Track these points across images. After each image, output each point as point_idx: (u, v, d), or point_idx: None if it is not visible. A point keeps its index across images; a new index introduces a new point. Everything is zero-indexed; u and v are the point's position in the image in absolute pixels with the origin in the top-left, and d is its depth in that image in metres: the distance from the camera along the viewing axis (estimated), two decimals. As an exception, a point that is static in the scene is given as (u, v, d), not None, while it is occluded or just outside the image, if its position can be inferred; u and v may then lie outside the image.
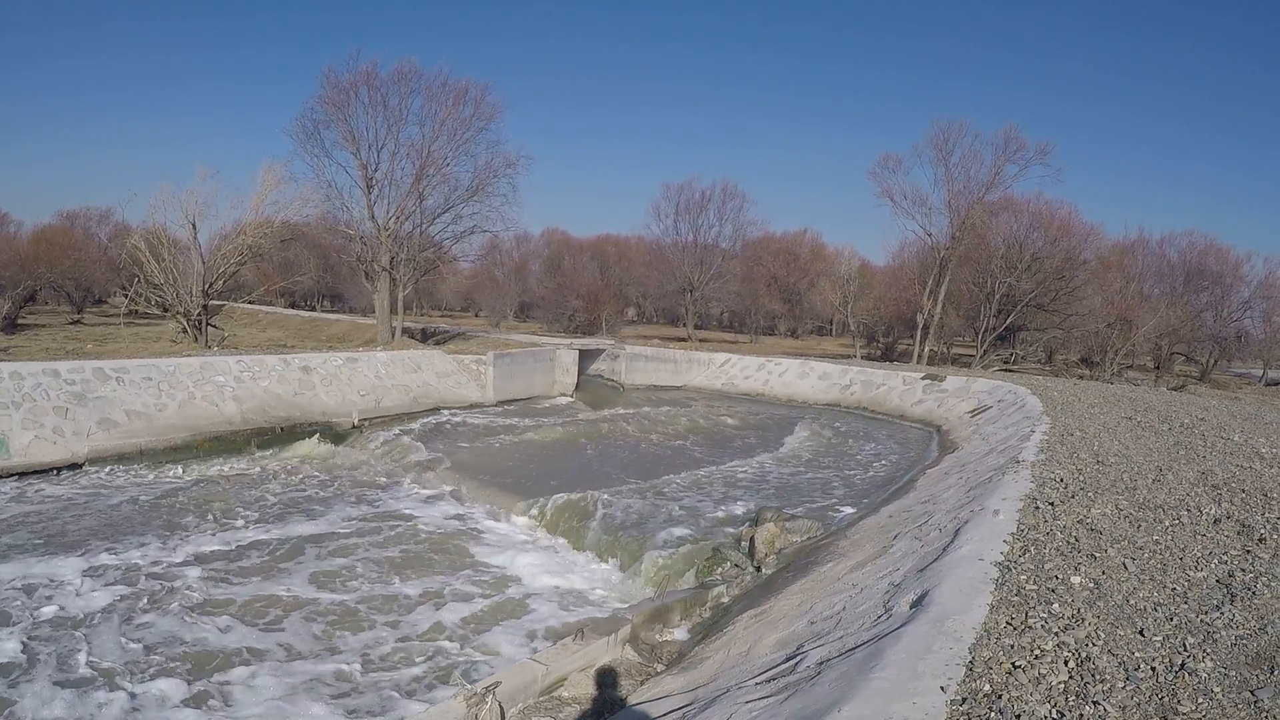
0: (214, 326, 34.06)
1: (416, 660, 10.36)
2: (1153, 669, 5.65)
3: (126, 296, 35.58)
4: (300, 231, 40.70)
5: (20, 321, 36.90)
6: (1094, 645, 6.03)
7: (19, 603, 11.41)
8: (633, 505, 16.66)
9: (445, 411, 28.50)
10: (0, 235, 59.30)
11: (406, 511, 16.76)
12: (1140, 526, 9.63)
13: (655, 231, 70.97)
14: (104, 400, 19.93)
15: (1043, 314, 48.66)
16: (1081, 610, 6.72)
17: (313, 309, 74.53)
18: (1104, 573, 7.75)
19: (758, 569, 12.94)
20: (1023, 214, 48.67)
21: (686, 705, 6.94)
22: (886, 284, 60.32)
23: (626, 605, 11.17)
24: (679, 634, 10.54)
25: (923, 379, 33.44)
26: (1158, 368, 48.28)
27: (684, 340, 57.13)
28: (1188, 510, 10.43)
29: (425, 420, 26.71)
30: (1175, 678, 5.50)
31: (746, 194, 77.76)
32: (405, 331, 39.55)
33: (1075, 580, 7.47)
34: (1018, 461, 14.09)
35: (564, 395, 35.16)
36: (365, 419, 25.63)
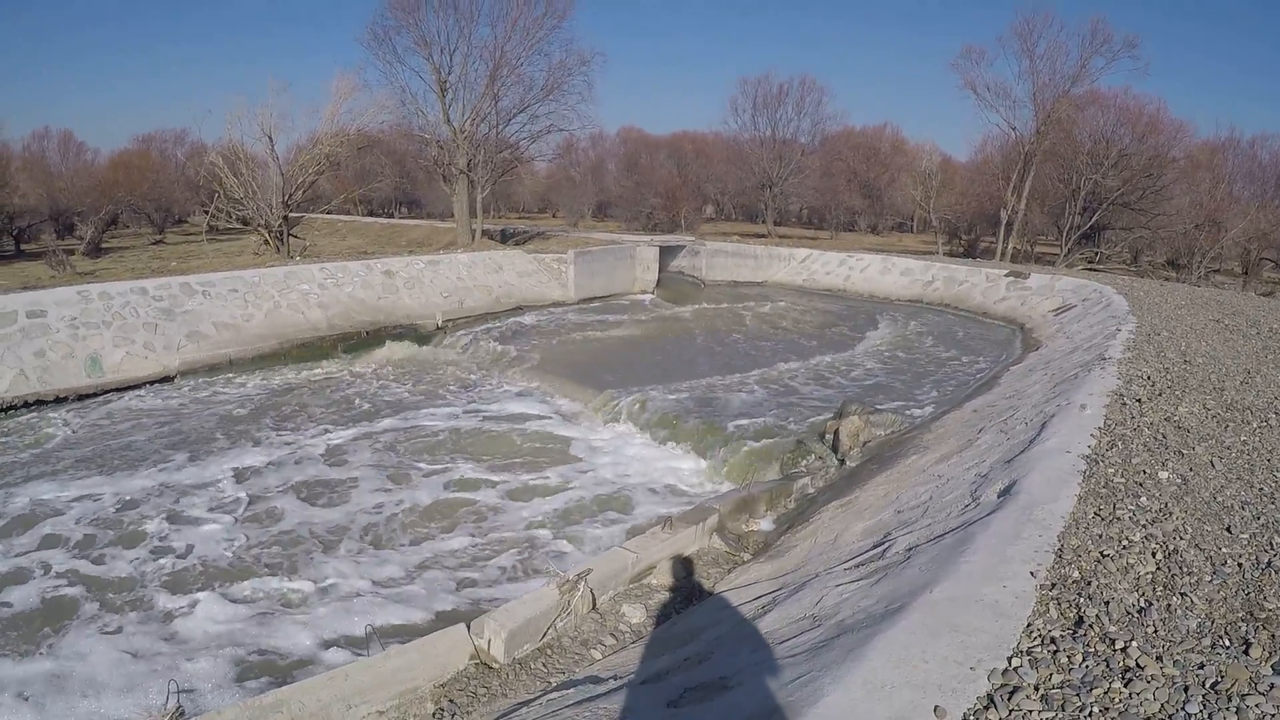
0: (295, 237, 34.43)
1: (509, 550, 10.61)
2: (1239, 565, 5.57)
3: (207, 214, 36.08)
4: (376, 139, 40.76)
5: (104, 245, 37.73)
6: (1181, 539, 5.96)
7: (168, 502, 12.01)
8: (715, 399, 16.71)
9: (527, 311, 28.71)
10: (79, 163, 60.22)
11: (492, 409, 17.01)
12: (1228, 427, 9.38)
13: (733, 127, 69.57)
14: (191, 314, 20.36)
15: (1129, 213, 46.78)
16: (1169, 504, 6.64)
17: (390, 216, 75.01)
18: (1191, 469, 7.61)
19: (841, 461, 12.91)
20: (1109, 109, 46.32)
21: (776, 590, 7.00)
22: (969, 179, 58.63)
23: (713, 496, 11.21)
24: (764, 524, 10.61)
25: (1006, 276, 32.62)
26: (1245, 272, 46.31)
27: (763, 237, 56.43)
28: (1276, 413, 10.08)
29: (508, 320, 26.98)
30: (1262, 575, 5.42)
31: (825, 88, 75.73)
32: (484, 233, 39.63)
33: (1163, 475, 7.35)
34: (1104, 359, 13.75)
35: (645, 292, 35.03)
36: (449, 320, 25.94)
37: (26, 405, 16.10)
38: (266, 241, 32.85)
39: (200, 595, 9.28)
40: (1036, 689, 3.96)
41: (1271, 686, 3.94)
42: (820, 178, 69.51)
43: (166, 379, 18.66)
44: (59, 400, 16.57)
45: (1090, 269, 43.26)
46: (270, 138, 32.09)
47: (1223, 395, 11.02)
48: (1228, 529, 6.22)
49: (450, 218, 43.78)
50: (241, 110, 32.52)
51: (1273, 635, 4.53)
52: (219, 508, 11.84)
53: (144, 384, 18.17)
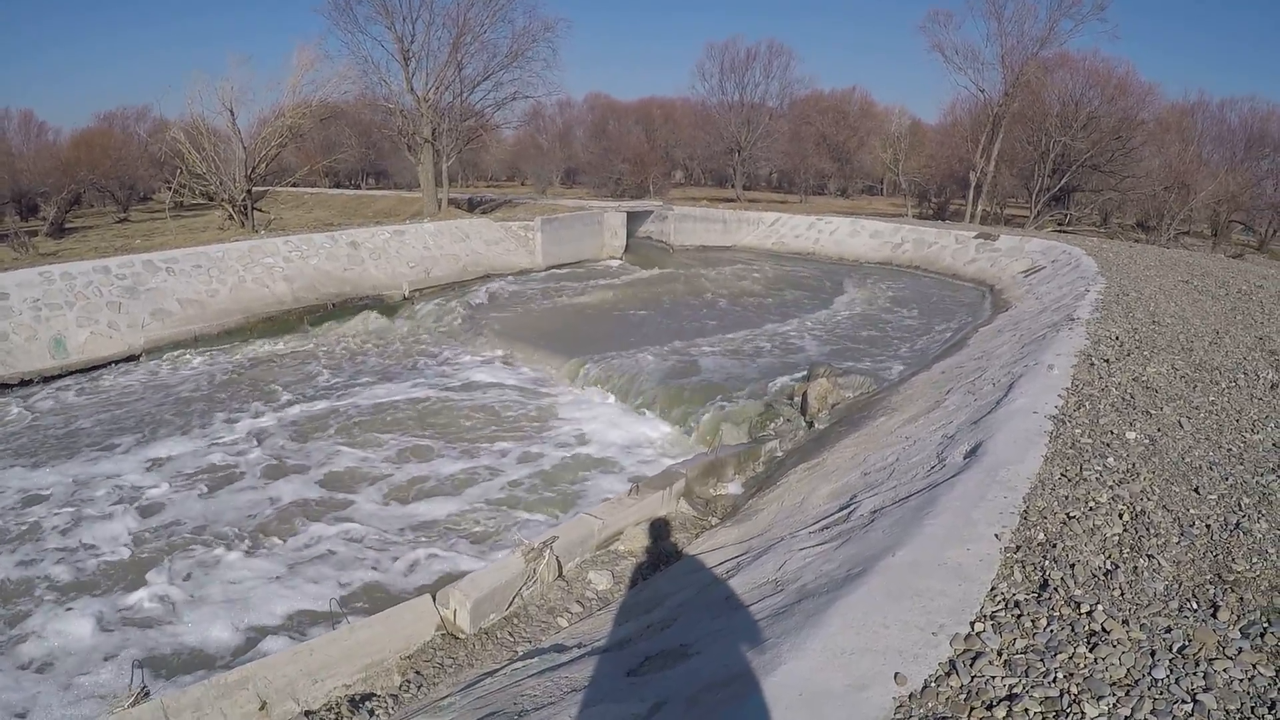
0: (260, 210, 34.00)
1: (474, 518, 10.56)
2: (1207, 526, 5.55)
3: (171, 190, 35.62)
4: (339, 110, 40.26)
5: (68, 225, 37.20)
6: (1149, 500, 5.94)
7: (119, 485, 11.82)
8: (684, 363, 16.69)
9: (495, 279, 28.47)
10: (40, 143, 59.33)
11: (459, 378, 16.90)
12: (1196, 387, 9.37)
13: (700, 92, 69.57)
14: (156, 291, 20.07)
15: (1098, 175, 47.02)
16: (1136, 465, 6.61)
17: (357, 187, 74.29)
18: (1159, 430, 7.59)
19: (810, 424, 12.89)
20: (1078, 71, 46.44)
21: (741, 554, 6.96)
22: (938, 142, 58.69)
23: (681, 460, 11.17)
24: (733, 488, 10.58)
25: (975, 238, 32.65)
26: (1215, 234, 46.54)
27: (732, 201, 56.37)
28: (1244, 374, 10.09)
29: (475, 288, 26.70)
30: (1230, 536, 5.39)
31: (793, 51, 75.57)
32: (451, 202, 39.36)
33: (1130, 435, 7.33)
34: (1072, 319, 13.76)
35: (613, 258, 34.84)
36: (416, 290, 25.73)
37: (-11, 388, 15.83)
38: (231, 216, 32.41)
39: (161, 567, 9.18)
40: (1000, 654, 3.91)
41: (1240, 650, 3.91)
42: (789, 142, 69.42)
43: (132, 358, 18.45)
44: (24, 383, 16.33)
45: (1060, 231, 43.40)
46: (232, 111, 31.54)
47: (1191, 355, 11.03)
48: (1195, 490, 6.19)
49: (417, 188, 43.44)
50: (203, 85, 31.89)
51: (1241, 598, 4.51)
52: (181, 482, 11.71)
53: (109, 364, 17.97)
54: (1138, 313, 14.45)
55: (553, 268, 31.73)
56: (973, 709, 3.52)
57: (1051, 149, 45.43)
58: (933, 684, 3.72)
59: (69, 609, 8.42)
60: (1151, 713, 3.42)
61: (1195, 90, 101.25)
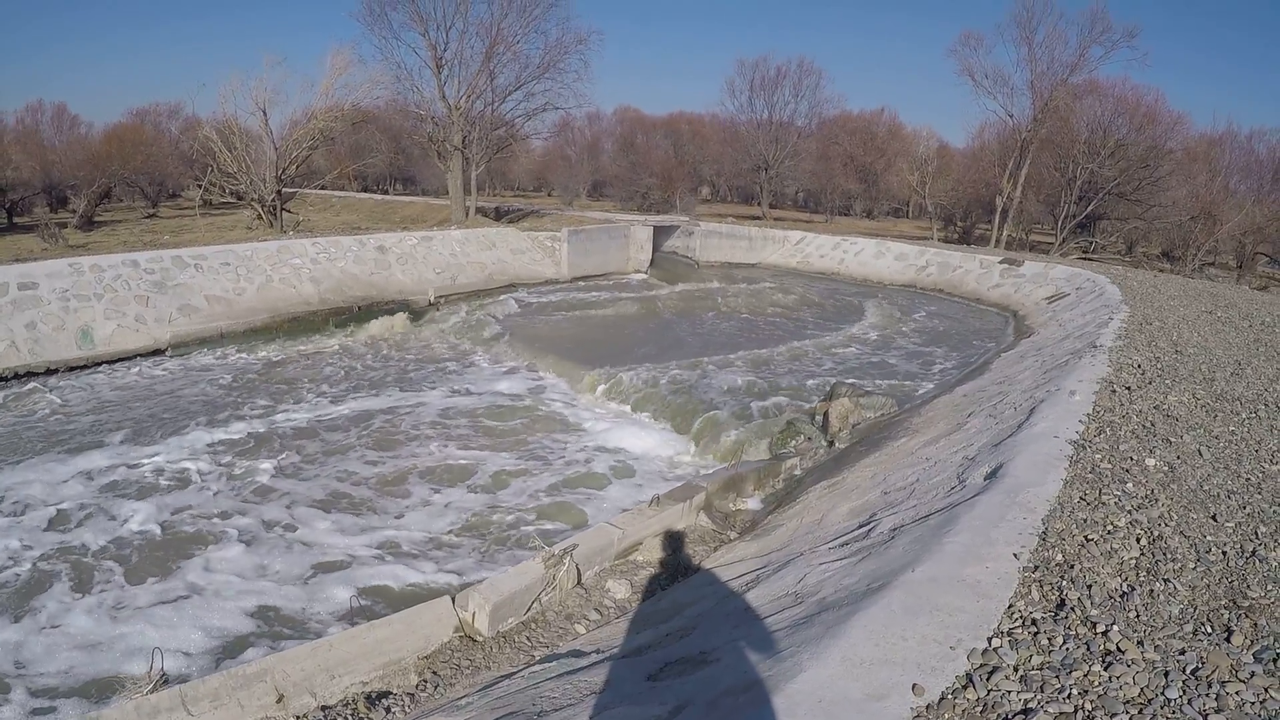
0: (288, 211, 34.25)
1: (494, 524, 10.65)
2: (1224, 553, 5.61)
3: (200, 188, 35.85)
4: (371, 114, 40.47)
5: (97, 219, 37.43)
6: (1166, 525, 6.00)
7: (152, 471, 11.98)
8: (706, 378, 16.74)
9: (520, 288, 28.68)
10: (72, 136, 59.55)
11: (482, 385, 17.02)
12: (1217, 417, 9.40)
13: (729, 109, 69.51)
14: (183, 287, 20.26)
15: (1124, 204, 46.65)
16: (1155, 491, 6.66)
17: (385, 192, 74.54)
18: (1179, 458, 7.63)
19: (830, 443, 12.92)
20: (1107, 98, 46.11)
21: (761, 567, 7.01)
22: (965, 166, 58.46)
23: (701, 474, 11.22)
24: (752, 503, 10.61)
25: (1000, 263, 32.62)
26: (1240, 266, 46.15)
27: (758, 219, 56.31)
28: (1265, 405, 10.11)
29: (500, 297, 26.89)
30: (1246, 564, 5.46)
31: (823, 71, 75.51)
32: (479, 211, 39.43)
33: (1150, 462, 7.36)
34: (1095, 346, 13.77)
35: (638, 271, 34.99)
36: (441, 296, 25.91)
37: (16, 377, 16.03)
38: (260, 216, 32.66)
39: (183, 565, 9.30)
40: (1016, 670, 3.97)
41: (1252, 674, 3.95)
42: (816, 161, 69.27)
43: (158, 352, 18.60)
44: (50, 372, 16.50)
45: (1085, 258, 43.19)
46: (264, 112, 31.85)
47: (1213, 385, 11.04)
48: (1213, 517, 6.24)
49: (444, 195, 43.59)
50: (236, 85, 32.23)
51: (1255, 624, 4.55)
52: (200, 480, 11.84)
53: (135, 356, 18.11)
54: (1160, 342, 14.44)
55: (577, 279, 31.89)
56: (988, 722, 3.59)
57: (1078, 176, 45.24)
58: (950, 696, 3.78)
59: (86, 596, 8.55)
60: (1164, 732, 3.48)
61: (1224, 120, 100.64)
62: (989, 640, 4.24)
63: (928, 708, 3.71)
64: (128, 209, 47.51)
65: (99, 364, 17.42)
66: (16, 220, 37.01)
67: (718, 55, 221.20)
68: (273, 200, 32.19)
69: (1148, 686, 3.83)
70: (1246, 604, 4.82)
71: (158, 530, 10.16)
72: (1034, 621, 4.44)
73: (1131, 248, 53.47)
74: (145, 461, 12.35)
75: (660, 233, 38.07)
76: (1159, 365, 12.20)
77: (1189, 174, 47.68)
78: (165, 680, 6.34)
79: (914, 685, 3.83)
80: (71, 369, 16.90)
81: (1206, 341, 14.73)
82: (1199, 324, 16.88)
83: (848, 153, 70.45)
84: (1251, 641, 4.33)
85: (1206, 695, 3.76)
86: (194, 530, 10.20)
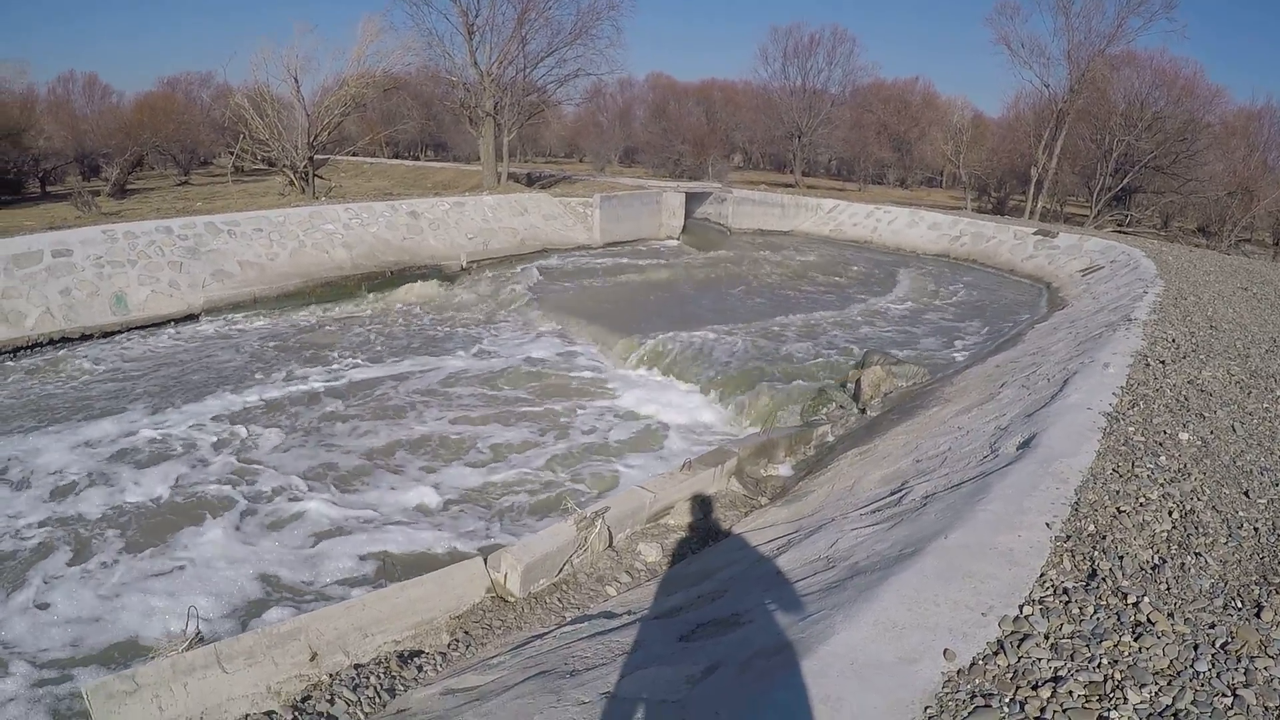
0: (320, 178, 34.30)
1: (527, 487, 10.75)
2: (1255, 529, 5.62)
3: (232, 155, 35.96)
4: (402, 81, 40.48)
5: (129, 187, 37.53)
6: (1199, 500, 5.99)
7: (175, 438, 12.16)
8: (738, 345, 16.73)
9: (552, 253, 28.74)
10: (104, 106, 59.79)
11: (513, 350, 17.12)
12: (1251, 393, 9.34)
13: (763, 76, 69.28)
14: (217, 253, 20.42)
15: (1161, 177, 45.83)
16: (1188, 466, 6.65)
17: (416, 158, 74.52)
18: (1212, 433, 7.61)
19: (862, 411, 12.92)
20: (1145, 70, 45.29)
21: (792, 533, 7.05)
22: (1000, 136, 57.73)
23: (733, 440, 11.26)
24: (783, 470, 10.65)
25: (1034, 234, 32.26)
26: (1276, 243, 45.41)
27: (791, 187, 55.96)
28: (1300, 383, 10.05)
29: (532, 262, 26.97)
30: (1277, 540, 5.47)
31: (857, 38, 74.91)
32: (510, 177, 39.39)
33: (1183, 436, 7.34)
34: (1129, 320, 13.65)
35: (670, 238, 34.93)
36: (473, 261, 26.01)
37: (52, 343, 16.22)
38: (292, 182, 32.75)
39: (213, 525, 9.46)
40: (1047, 638, 4.00)
41: (1281, 651, 3.96)
42: (850, 129, 68.71)
43: (191, 317, 18.79)
44: (84, 338, 16.70)
45: (1119, 231, 42.63)
46: (296, 79, 31.84)
47: (1248, 362, 10.94)
48: (1245, 493, 6.23)
49: (476, 161, 43.62)
50: (267, 53, 32.17)
51: (1286, 600, 4.55)
52: (232, 442, 11.99)
53: (169, 322, 18.30)
54: (1195, 317, 14.31)
55: (610, 245, 31.87)
56: (1018, 688, 3.62)
57: (1114, 148, 44.53)
58: (981, 662, 3.82)
59: (123, 554, 8.73)
60: (1192, 703, 3.50)
61: (1263, 95, 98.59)
62: (1020, 608, 4.27)
63: (959, 673, 3.75)
64: (160, 177, 47.71)
65: (133, 329, 17.59)
66: (50, 189, 37.29)
67: (751, 22, 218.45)
68: (305, 167, 32.26)
69: (1177, 659, 3.85)
70: (1278, 580, 4.82)
71: (179, 494, 10.31)
72: (1065, 591, 4.46)
73: (1167, 222, 52.71)
74: (172, 427, 12.49)
75: (692, 199, 37.94)
76: (1193, 340, 12.10)
77: (1227, 149, 46.87)
78: (200, 639, 6.45)
79: (945, 650, 3.87)
80: (106, 334, 17.07)
81: (1242, 318, 14.58)
82: (1234, 300, 16.70)
83: (881, 121, 69.85)
84: (1282, 617, 4.34)
85: (1235, 669, 3.78)
86: (217, 494, 10.33)
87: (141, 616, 7.61)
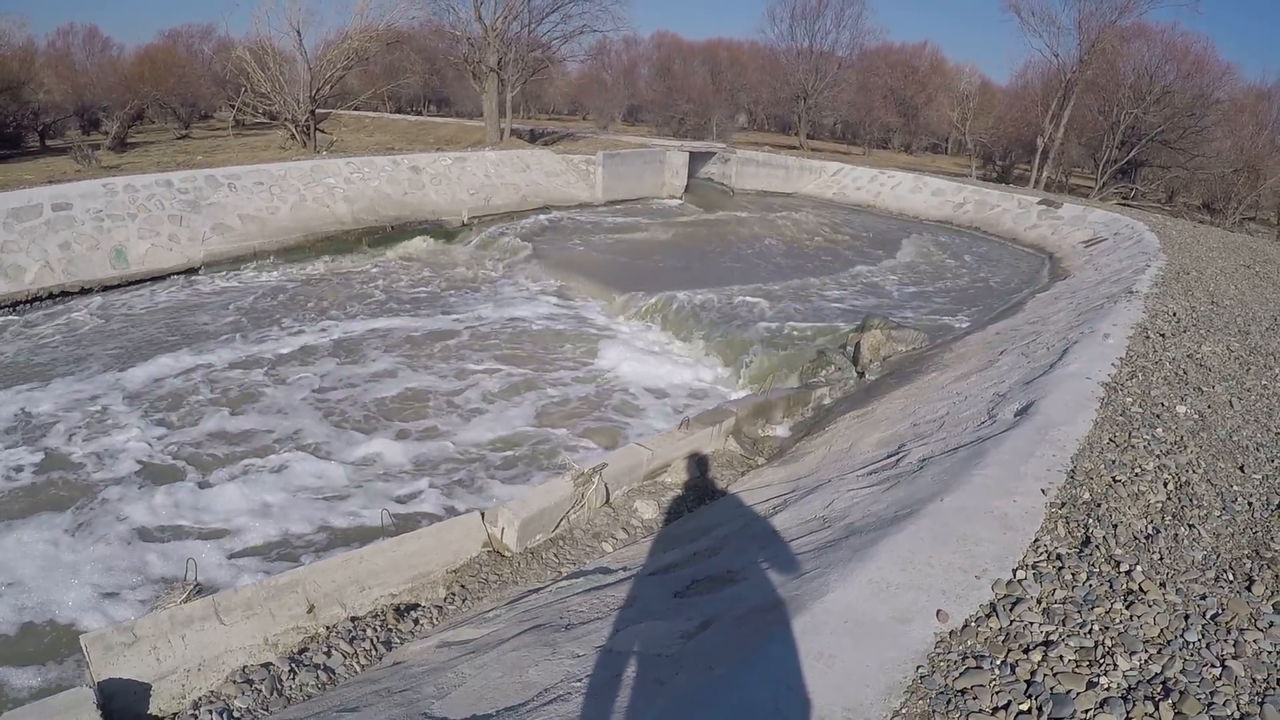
0: (322, 132, 34.13)
1: (524, 442, 10.81)
2: (1249, 504, 5.63)
3: (233, 109, 35.69)
4: (406, 35, 40.06)
5: (129, 140, 37.24)
6: (1194, 472, 6.02)
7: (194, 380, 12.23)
8: (738, 305, 16.73)
9: (554, 210, 28.56)
10: (104, 59, 58.96)
11: (513, 306, 17.11)
12: (1250, 369, 9.34)
13: (769, 36, 68.36)
14: (217, 206, 20.32)
15: (1167, 151, 45.38)
16: (1184, 438, 6.67)
17: (419, 113, 73.90)
18: (1210, 407, 7.63)
19: (861, 374, 12.94)
20: (1156, 43, 44.83)
21: (788, 492, 7.08)
22: (1007, 105, 57.12)
23: (731, 400, 11.28)
24: (780, 430, 10.68)
25: (1038, 204, 32.07)
26: (1281, 222, 45.38)
27: (795, 149, 55.57)
28: (1299, 361, 10.05)
29: (534, 218, 26.88)
30: (1271, 515, 5.48)
31: (865, 1, 74.17)
32: (513, 133, 39.17)
33: (1180, 410, 7.36)
34: (1130, 292, 13.62)
35: (673, 197, 34.70)
36: (474, 217, 25.86)
37: (51, 297, 16.19)
38: (293, 136, 32.55)
39: (215, 475, 9.51)
40: (1039, 602, 4.04)
41: (1271, 624, 3.99)
42: (856, 93, 67.98)
43: (191, 270, 18.75)
44: (84, 291, 16.66)
45: (1124, 204, 42.38)
46: (299, 32, 31.52)
47: (1247, 339, 10.93)
48: (1241, 468, 6.25)
49: (479, 117, 43.30)
50: (270, 5, 31.89)
51: (1276, 575, 4.58)
52: (229, 394, 12.05)
53: (169, 275, 18.27)
54: (1197, 292, 14.28)
55: (612, 203, 31.67)
56: (1010, 650, 3.65)
57: (1122, 120, 44.13)
58: (973, 624, 3.86)
59: (129, 503, 8.78)
60: (1181, 672, 3.53)
61: (1273, 74, 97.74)
62: (1014, 572, 4.31)
63: (951, 634, 3.79)
64: (160, 130, 47.33)
65: (133, 283, 17.56)
66: (49, 143, 36.99)
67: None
68: (306, 121, 32.06)
69: (1168, 628, 3.88)
70: (1269, 555, 4.84)
71: (186, 445, 10.37)
72: (1059, 556, 4.50)
73: (1172, 197, 52.42)
74: (175, 374, 12.63)
75: (696, 159, 37.70)
76: (1194, 315, 12.08)
77: (1235, 126, 46.46)
78: (200, 590, 6.49)
79: (938, 611, 3.90)
80: (106, 288, 17.04)
81: (1243, 295, 14.56)
82: (1237, 277, 16.66)
83: (888, 85, 69.17)
84: (1272, 592, 4.36)
85: (1225, 641, 3.80)
86: (220, 447, 10.39)
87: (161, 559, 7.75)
